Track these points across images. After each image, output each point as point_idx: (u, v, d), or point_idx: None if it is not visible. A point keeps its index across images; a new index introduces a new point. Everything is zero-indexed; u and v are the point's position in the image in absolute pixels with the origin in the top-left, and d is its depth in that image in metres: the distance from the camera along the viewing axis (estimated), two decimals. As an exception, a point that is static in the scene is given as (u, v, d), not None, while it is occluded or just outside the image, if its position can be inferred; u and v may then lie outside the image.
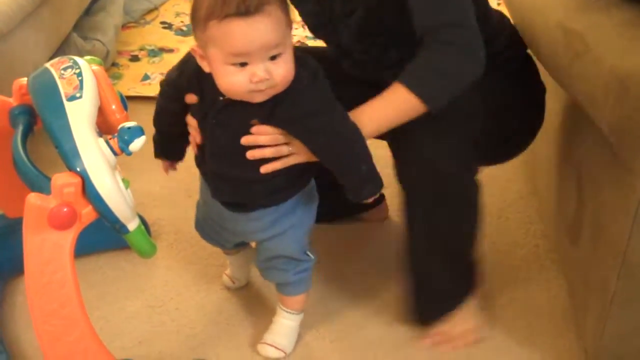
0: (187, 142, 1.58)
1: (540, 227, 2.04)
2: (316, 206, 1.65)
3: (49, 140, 1.46)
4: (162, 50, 2.95)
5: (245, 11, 1.27)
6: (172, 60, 2.85)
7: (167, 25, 3.14)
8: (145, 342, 1.75)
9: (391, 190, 2.10)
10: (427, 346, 1.73)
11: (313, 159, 1.46)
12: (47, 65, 1.56)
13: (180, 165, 2.28)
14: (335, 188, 1.49)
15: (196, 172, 1.82)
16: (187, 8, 3.27)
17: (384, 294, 1.89)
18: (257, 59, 1.32)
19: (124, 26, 3.06)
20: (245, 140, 1.43)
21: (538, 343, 1.75)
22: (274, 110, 1.40)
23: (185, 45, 2.96)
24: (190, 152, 2.32)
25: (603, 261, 1.53)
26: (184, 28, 3.11)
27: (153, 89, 2.68)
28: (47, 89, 1.49)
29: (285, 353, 1.70)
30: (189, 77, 1.45)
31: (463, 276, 1.74)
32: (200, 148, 1.53)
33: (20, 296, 1.83)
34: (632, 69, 1.34)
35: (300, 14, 1.69)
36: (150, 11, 3.26)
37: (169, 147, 1.65)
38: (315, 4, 1.65)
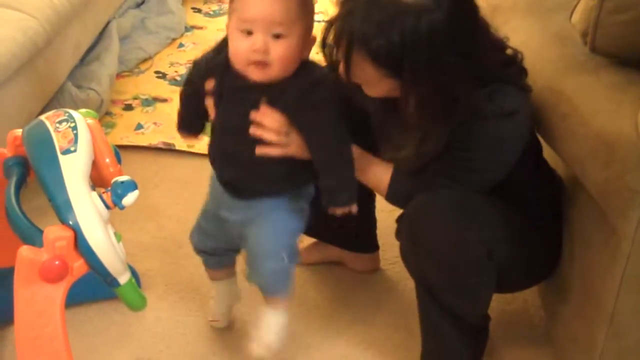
0: (206, 120, 1.69)
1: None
2: (306, 215, 1.72)
3: (42, 191, 1.48)
4: (156, 99, 2.96)
5: None
6: (165, 110, 2.87)
7: (161, 75, 3.17)
8: (133, 396, 1.75)
9: (384, 242, 2.13)
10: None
11: (306, 154, 1.57)
12: (43, 117, 1.58)
13: (171, 217, 2.31)
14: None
15: (187, 223, 1.85)
16: (181, 58, 3.31)
17: (375, 345, 1.90)
18: (260, 30, 1.48)
19: (118, 75, 3.07)
20: (253, 114, 1.55)
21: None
22: (280, 96, 1.54)
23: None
24: (181, 201, 2.36)
25: (591, 320, 1.54)
26: (178, 78, 3.13)
27: (146, 139, 2.69)
28: (41, 142, 1.51)
29: (271, 348, 1.75)
30: (224, 58, 1.57)
31: (477, 345, 1.79)
32: (213, 130, 1.66)
33: (10, 346, 1.82)
34: (619, 132, 1.36)
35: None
36: (144, 60, 3.27)
37: (189, 120, 1.72)
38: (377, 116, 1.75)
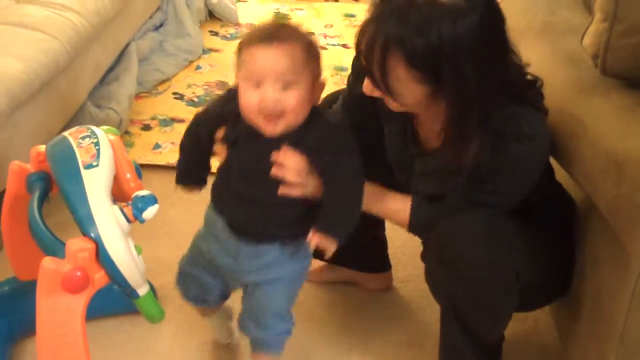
0: (208, 172, 1.70)
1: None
2: (305, 274, 1.73)
3: (64, 206, 1.52)
4: (173, 120, 3.02)
5: (267, 39, 1.50)
6: (182, 130, 2.89)
7: (179, 96, 3.22)
8: (149, 407, 1.78)
9: (396, 261, 2.16)
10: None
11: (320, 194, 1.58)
12: (66, 134, 1.62)
13: (187, 234, 2.33)
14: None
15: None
16: (198, 80, 3.37)
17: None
18: (268, 82, 1.49)
19: (137, 96, 3.13)
20: (274, 155, 1.55)
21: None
22: (303, 140, 1.55)
23: (196, 116, 3.03)
24: (198, 219, 2.39)
25: (602, 337, 1.56)
26: (195, 99, 3.18)
27: (164, 158, 2.73)
28: (65, 157, 1.55)
29: None
30: (236, 106, 1.56)
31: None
32: (223, 173, 1.64)
33: (28, 358, 1.86)
34: (629, 152, 1.39)
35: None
36: (162, 82, 3.33)
37: (191, 171, 1.72)
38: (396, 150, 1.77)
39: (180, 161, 1.72)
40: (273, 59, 1.49)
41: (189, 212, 2.46)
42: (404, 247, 2.25)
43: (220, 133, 1.62)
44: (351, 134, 1.57)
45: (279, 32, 1.52)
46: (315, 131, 1.55)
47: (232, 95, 1.60)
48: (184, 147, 1.71)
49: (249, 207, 1.61)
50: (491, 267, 1.58)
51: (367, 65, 1.52)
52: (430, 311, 2.07)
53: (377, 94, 1.56)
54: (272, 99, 1.48)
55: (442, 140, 1.57)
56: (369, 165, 1.59)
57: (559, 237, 1.72)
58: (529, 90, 1.59)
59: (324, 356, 1.94)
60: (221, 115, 1.62)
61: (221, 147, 1.63)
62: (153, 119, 3.03)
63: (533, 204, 1.63)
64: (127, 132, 2.90)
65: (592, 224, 1.63)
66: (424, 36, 1.42)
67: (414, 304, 2.11)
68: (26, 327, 1.82)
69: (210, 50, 3.67)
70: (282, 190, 1.57)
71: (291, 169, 1.55)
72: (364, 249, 2.04)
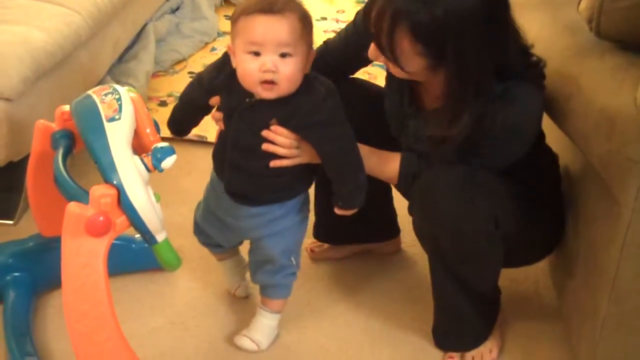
0: (193, 126, 1.87)
1: (540, 265, 2.11)
2: (307, 221, 1.84)
3: (84, 174, 1.58)
4: (189, 97, 3.11)
5: (267, 9, 1.57)
6: (198, 107, 3.01)
7: (194, 76, 3.30)
8: (166, 355, 1.86)
9: (403, 227, 2.24)
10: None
11: (316, 160, 1.68)
12: (89, 92, 1.70)
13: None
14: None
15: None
16: (213, 60, 3.44)
17: (394, 316, 2.02)
18: (268, 51, 1.57)
19: (154, 74, 3.21)
20: (265, 133, 1.64)
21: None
22: (292, 115, 1.62)
23: (211, 94, 3.11)
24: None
25: (595, 288, 1.64)
26: (210, 78, 3.27)
27: (180, 131, 2.82)
28: (88, 111, 1.63)
29: (258, 347, 1.87)
30: (226, 76, 1.67)
31: (488, 314, 1.90)
32: (220, 140, 1.75)
33: (51, 309, 1.95)
34: (620, 108, 1.47)
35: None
36: (179, 62, 3.42)
37: (180, 121, 1.88)
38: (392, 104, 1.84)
39: (175, 107, 1.86)
40: (274, 29, 1.56)
41: (203, 180, 2.48)
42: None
43: (215, 100, 1.72)
44: (340, 102, 1.64)
45: (276, 2, 1.58)
46: (305, 103, 1.62)
47: (221, 66, 1.70)
48: (182, 99, 1.85)
49: (243, 176, 1.71)
50: (467, 214, 1.65)
51: (375, 34, 1.58)
52: (434, 272, 2.15)
53: (381, 60, 1.64)
54: (271, 67, 1.56)
55: (439, 108, 1.65)
56: (370, 126, 1.69)
57: (546, 195, 1.80)
58: (530, 71, 1.65)
59: (334, 312, 2.03)
60: (212, 86, 1.72)
61: (219, 115, 1.73)
62: (169, 95, 3.11)
63: (522, 163, 1.70)
64: (144, 108, 2.99)
65: (587, 184, 1.71)
66: (430, 10, 1.49)
67: (420, 265, 2.19)
68: (49, 281, 1.93)
69: (225, 33, 3.74)
70: (273, 163, 1.66)
71: (281, 145, 1.64)
72: (377, 223, 2.14)
